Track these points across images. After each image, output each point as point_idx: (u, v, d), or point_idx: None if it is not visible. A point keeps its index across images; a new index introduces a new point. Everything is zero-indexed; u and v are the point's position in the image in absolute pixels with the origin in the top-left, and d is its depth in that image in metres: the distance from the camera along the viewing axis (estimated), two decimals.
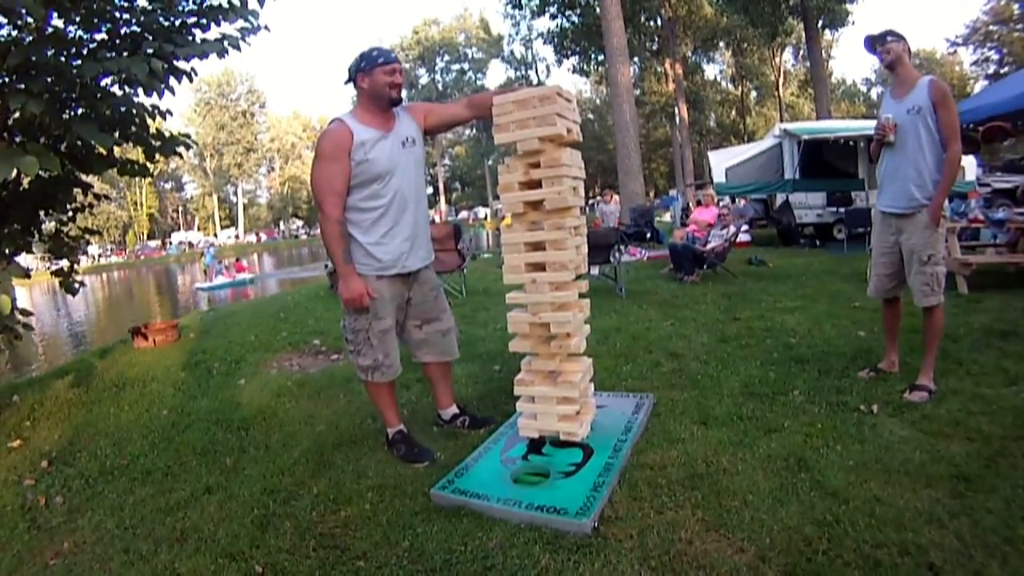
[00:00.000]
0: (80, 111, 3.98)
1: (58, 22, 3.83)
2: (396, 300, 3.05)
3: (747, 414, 3.28)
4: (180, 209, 77.22)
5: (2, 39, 3.69)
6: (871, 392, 3.47)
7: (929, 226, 3.35)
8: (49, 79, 3.66)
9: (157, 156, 4.46)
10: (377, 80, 2.86)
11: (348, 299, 2.88)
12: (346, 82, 2.99)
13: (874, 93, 63.40)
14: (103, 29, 4.02)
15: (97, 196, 4.95)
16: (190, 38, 4.11)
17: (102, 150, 4.13)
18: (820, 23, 26.27)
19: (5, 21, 3.61)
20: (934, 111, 3.29)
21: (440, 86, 57.88)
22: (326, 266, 10.86)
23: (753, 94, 54.24)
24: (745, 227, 10.62)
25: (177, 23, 4.09)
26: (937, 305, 3.43)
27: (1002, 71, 43.49)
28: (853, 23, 27.65)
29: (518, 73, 52.64)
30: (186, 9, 4.14)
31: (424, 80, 57.98)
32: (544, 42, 30.08)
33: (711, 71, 51.27)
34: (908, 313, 3.85)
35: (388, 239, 2.93)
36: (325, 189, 2.82)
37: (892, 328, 3.81)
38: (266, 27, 4.22)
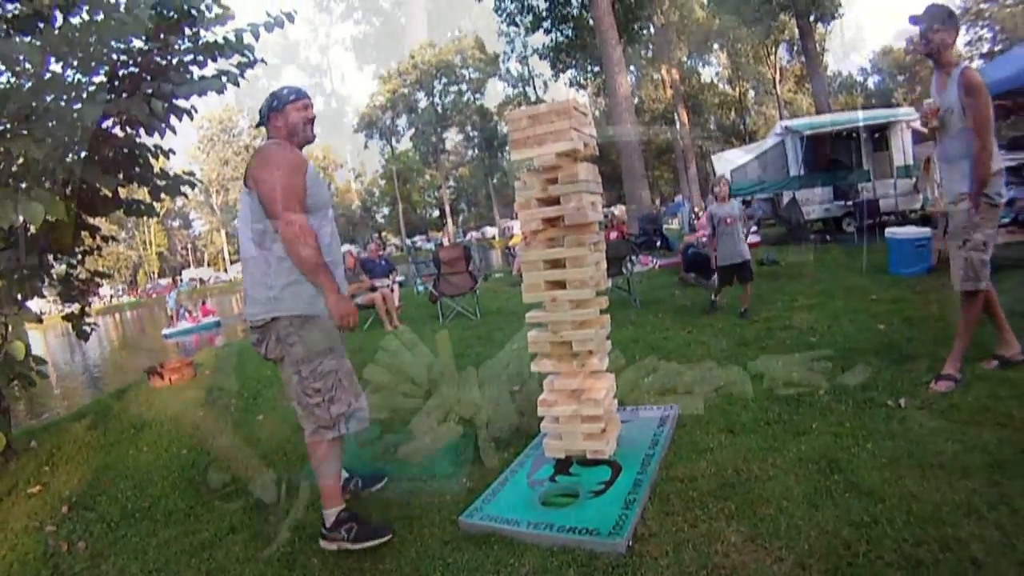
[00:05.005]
0: (83, 154, 3.99)
1: (56, 67, 3.85)
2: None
3: (773, 418, 3.23)
4: (189, 246, 77.73)
5: (1, 86, 3.71)
6: (896, 386, 3.41)
7: (968, 210, 3.33)
8: (50, 124, 3.68)
9: (163, 196, 4.47)
10: (291, 118, 2.69)
11: (344, 314, 2.57)
12: (258, 124, 2.82)
13: (871, 82, 63.15)
14: (101, 71, 4.04)
15: (105, 238, 4.97)
16: (188, 76, 4.12)
17: (107, 192, 4.14)
18: (812, 17, 26.22)
19: (3, 68, 3.62)
20: (963, 107, 3.28)
21: (439, 108, 58.10)
22: None
23: (751, 93, 54.21)
24: (754, 228, 10.56)
25: (174, 62, 4.10)
26: (974, 292, 3.36)
27: (996, 49, 43.20)
28: (842, 15, 27.61)
29: (516, 90, 52.76)
30: (183, 47, 4.15)
31: (423, 104, 58.19)
32: (540, 58, 30.17)
33: (707, 74, 51.42)
34: (939, 301, 3.74)
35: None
36: (293, 198, 2.51)
37: (990, 314, 3.62)
38: (262, 60, 4.24)
